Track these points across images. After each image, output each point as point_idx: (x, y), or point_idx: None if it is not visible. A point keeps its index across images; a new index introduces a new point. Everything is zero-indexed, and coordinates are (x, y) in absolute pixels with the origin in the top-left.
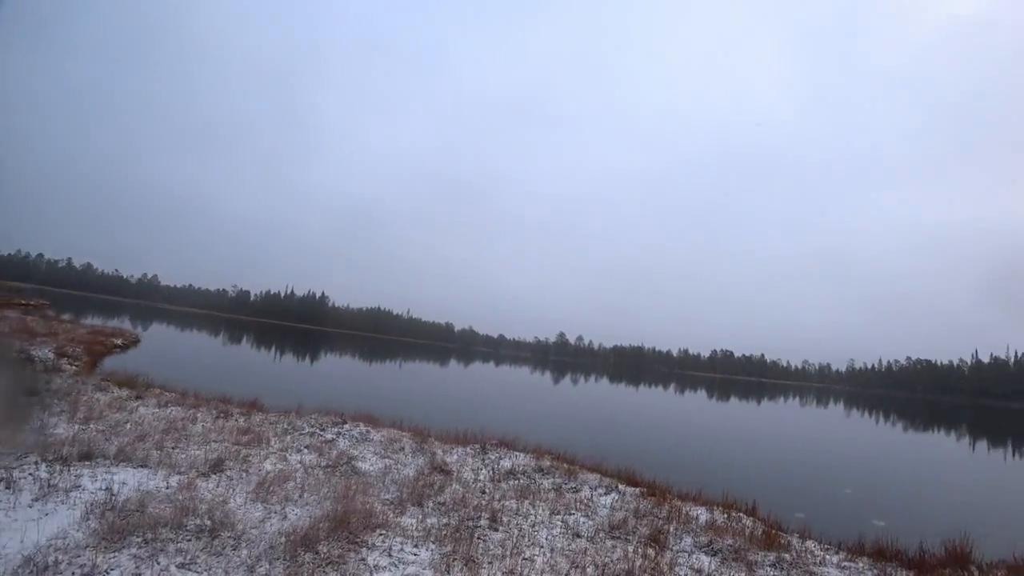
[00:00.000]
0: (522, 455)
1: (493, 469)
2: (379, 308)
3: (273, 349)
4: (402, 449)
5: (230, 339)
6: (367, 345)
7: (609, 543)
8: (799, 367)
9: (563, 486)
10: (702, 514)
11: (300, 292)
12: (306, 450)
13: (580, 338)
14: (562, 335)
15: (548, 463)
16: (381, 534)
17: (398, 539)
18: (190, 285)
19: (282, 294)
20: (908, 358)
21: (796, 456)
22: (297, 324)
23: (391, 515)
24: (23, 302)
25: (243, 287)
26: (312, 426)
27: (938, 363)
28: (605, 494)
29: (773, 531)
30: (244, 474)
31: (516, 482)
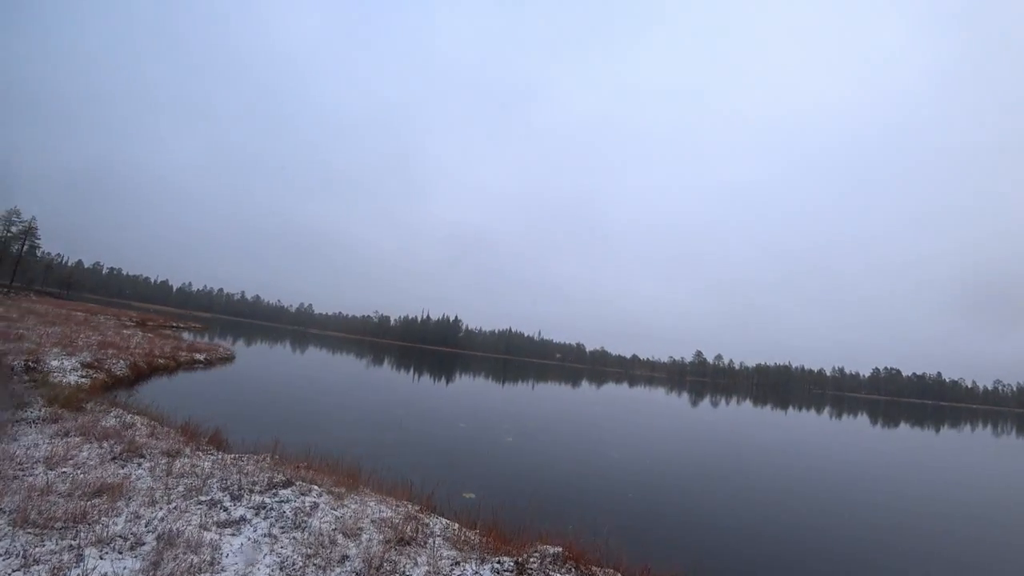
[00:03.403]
0: None
1: None
2: (510, 330)
3: (392, 366)
4: (344, 560)
5: (369, 360)
6: (500, 367)
7: None
8: (988, 388)
9: None
10: None
11: (435, 316)
12: (136, 548)
13: (719, 357)
14: (699, 354)
15: None
16: None
17: None
18: (339, 312)
19: (419, 319)
20: None
21: None
22: (434, 347)
23: None
24: (175, 323)
25: (384, 313)
26: (228, 487)
27: None
28: None
29: None
30: None
31: None
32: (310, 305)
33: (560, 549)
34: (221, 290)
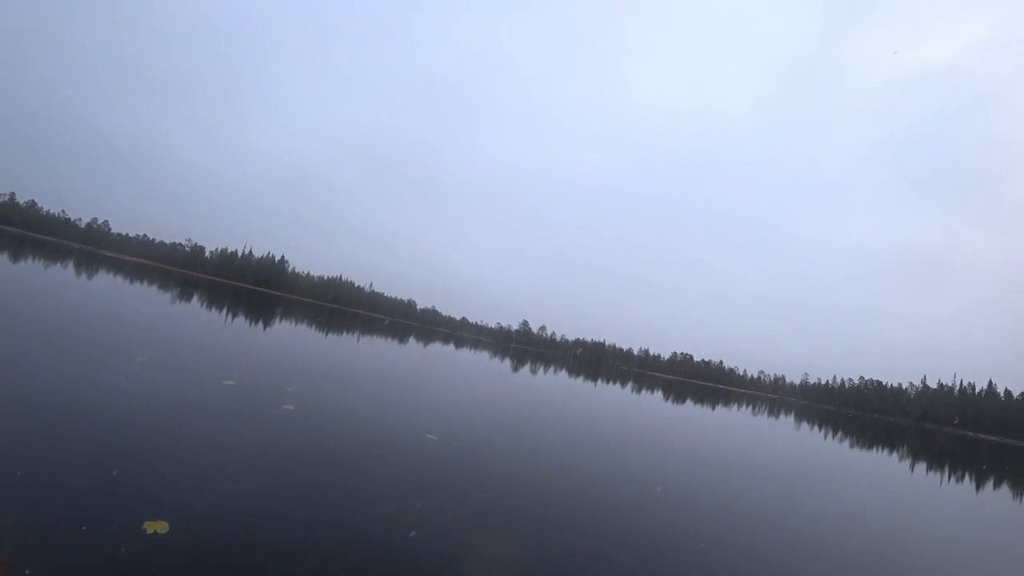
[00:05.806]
0: None
1: None
2: (340, 278)
3: (199, 305)
4: None
5: (170, 295)
6: (325, 315)
7: None
8: (755, 377)
9: None
10: None
11: (258, 253)
12: None
13: (543, 328)
14: (525, 323)
15: None
16: None
17: None
18: (144, 235)
19: (239, 253)
20: (861, 378)
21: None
22: (254, 287)
23: None
24: None
25: (198, 242)
26: None
27: (888, 385)
28: None
29: None
30: None
31: None
32: (106, 222)
33: None
34: None
